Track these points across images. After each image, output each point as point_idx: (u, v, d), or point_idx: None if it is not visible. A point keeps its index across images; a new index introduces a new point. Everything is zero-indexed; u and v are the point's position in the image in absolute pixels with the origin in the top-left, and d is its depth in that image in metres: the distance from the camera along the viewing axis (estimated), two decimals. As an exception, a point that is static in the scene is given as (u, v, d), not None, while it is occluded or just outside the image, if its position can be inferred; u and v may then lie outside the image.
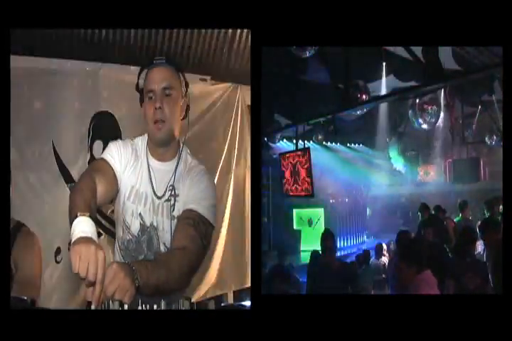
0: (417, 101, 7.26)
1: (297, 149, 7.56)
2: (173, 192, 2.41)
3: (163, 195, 2.43)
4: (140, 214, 2.44)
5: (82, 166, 4.05)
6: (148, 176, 2.45)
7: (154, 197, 2.43)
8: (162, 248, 2.45)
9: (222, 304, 2.25)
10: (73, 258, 1.71)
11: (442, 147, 10.82)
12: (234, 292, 5.06)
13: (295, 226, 10.51)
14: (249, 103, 4.96)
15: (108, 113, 4.28)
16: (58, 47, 3.88)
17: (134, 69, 3.82)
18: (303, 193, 7.40)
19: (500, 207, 7.44)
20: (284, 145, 9.13)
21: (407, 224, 10.14)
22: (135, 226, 2.46)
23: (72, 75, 4.10)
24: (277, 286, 4.65)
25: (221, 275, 4.90)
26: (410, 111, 7.55)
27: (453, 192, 10.49)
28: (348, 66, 5.92)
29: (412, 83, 6.51)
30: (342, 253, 8.96)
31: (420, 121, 7.24)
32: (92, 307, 1.73)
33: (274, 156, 8.96)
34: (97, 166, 2.43)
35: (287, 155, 7.62)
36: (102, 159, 2.45)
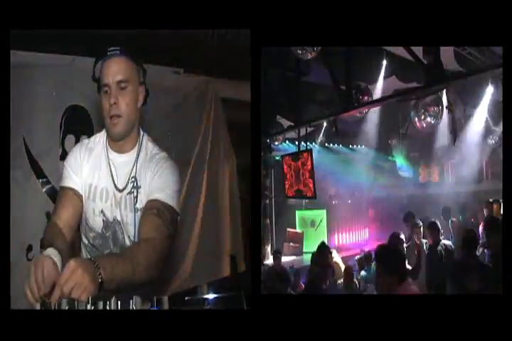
0: (419, 102, 7.26)
1: (300, 151, 7.55)
2: (135, 184, 2.39)
3: (125, 187, 2.40)
4: (102, 210, 2.43)
5: (54, 161, 3.99)
6: (109, 170, 2.43)
7: (116, 191, 2.41)
8: (127, 241, 2.44)
9: (187, 298, 2.23)
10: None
11: (444, 148, 10.78)
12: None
13: (297, 228, 10.49)
14: (223, 95, 4.97)
15: (81, 106, 4.22)
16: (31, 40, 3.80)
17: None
18: (305, 195, 7.39)
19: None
20: (287, 146, 9.12)
21: (409, 225, 10.09)
22: (98, 224, 2.45)
23: (44, 68, 4.03)
24: (277, 287, 4.61)
25: (195, 266, 4.86)
26: (412, 113, 7.54)
27: (455, 193, 10.44)
28: (349, 67, 5.92)
29: (414, 84, 6.51)
30: (344, 254, 8.93)
31: (422, 122, 7.23)
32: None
33: (277, 158, 8.96)
34: (57, 204, 2.45)
35: (290, 157, 7.61)
36: (64, 189, 2.46)
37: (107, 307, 1.81)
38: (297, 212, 10.57)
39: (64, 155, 4.00)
